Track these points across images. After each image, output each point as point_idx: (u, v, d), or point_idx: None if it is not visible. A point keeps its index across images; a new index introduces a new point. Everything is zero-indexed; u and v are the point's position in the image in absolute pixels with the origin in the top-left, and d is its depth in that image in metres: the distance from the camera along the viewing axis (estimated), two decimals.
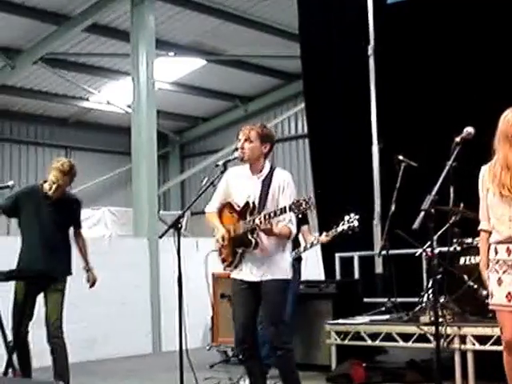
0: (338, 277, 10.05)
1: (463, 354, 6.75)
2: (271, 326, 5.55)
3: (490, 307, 4.75)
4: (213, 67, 17.89)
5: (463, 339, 6.73)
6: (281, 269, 5.62)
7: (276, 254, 5.62)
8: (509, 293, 4.56)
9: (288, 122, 20.42)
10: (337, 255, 10.15)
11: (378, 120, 10.53)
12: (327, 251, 10.31)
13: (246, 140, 5.64)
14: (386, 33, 10.61)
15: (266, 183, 5.63)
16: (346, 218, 7.48)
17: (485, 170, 4.76)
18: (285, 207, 5.33)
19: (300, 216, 6.49)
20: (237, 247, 5.61)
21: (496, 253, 4.68)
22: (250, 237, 5.51)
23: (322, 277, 10.36)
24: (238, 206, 5.67)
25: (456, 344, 6.76)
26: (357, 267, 10.08)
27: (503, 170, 4.62)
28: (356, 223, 7.39)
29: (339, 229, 7.47)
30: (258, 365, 5.76)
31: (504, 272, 4.61)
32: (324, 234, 7.74)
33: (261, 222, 5.34)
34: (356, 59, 10.81)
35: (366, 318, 7.88)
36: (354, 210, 7.66)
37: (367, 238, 10.03)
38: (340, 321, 7.85)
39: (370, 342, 7.51)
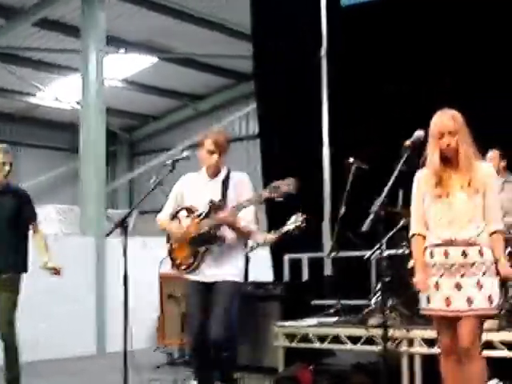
0: (286, 278, 10.01)
1: (411, 356, 6.76)
2: (221, 326, 5.51)
3: (427, 312, 4.70)
4: (164, 65, 17.79)
5: (411, 342, 6.73)
6: (236, 270, 5.66)
7: (235, 254, 5.65)
8: (447, 297, 4.53)
9: (239, 122, 20.37)
10: (286, 256, 10.12)
11: (329, 122, 10.54)
12: (276, 252, 10.28)
13: (219, 153, 5.65)
14: (339, 35, 10.63)
15: (225, 185, 5.65)
16: (293, 217, 7.48)
17: (421, 174, 4.76)
18: (261, 194, 5.38)
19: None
20: (199, 246, 5.56)
21: (432, 256, 4.65)
22: (215, 232, 5.51)
23: (271, 278, 10.32)
24: (197, 210, 5.66)
25: (404, 347, 6.76)
26: (306, 269, 10.07)
27: (435, 173, 4.62)
28: (302, 223, 7.38)
29: (285, 228, 7.47)
30: (208, 366, 5.70)
31: (441, 276, 4.58)
32: (271, 233, 7.72)
33: (228, 214, 5.33)
34: (308, 61, 10.81)
35: (314, 320, 7.84)
36: (303, 210, 7.64)
37: (317, 239, 10.04)
38: (288, 323, 7.80)
39: (317, 345, 7.47)
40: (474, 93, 9.14)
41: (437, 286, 4.59)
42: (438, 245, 4.61)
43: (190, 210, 5.70)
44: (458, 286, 4.51)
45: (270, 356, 7.93)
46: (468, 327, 4.51)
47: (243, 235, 5.62)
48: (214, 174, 5.73)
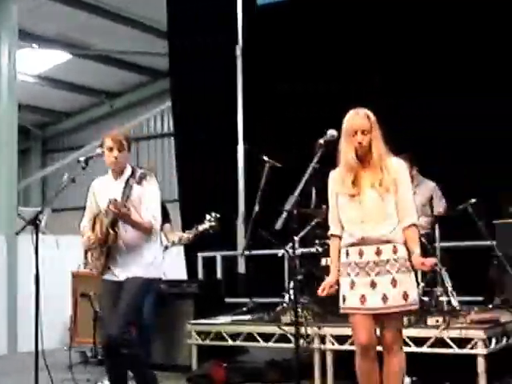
0: (200, 276, 10.01)
1: (323, 353, 6.84)
2: (117, 323, 5.42)
3: (343, 311, 4.72)
4: (79, 61, 17.55)
5: (323, 339, 6.82)
6: (143, 266, 5.56)
7: (139, 250, 5.56)
8: (362, 295, 4.57)
9: (154, 119, 20.26)
10: (199, 255, 10.13)
11: (244, 120, 10.58)
12: (190, 250, 10.27)
13: (118, 149, 5.59)
14: (254, 34, 10.68)
15: (129, 183, 5.58)
16: (208, 217, 7.49)
17: (334, 174, 4.80)
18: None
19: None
20: (103, 247, 5.52)
21: (347, 255, 4.69)
22: (110, 230, 5.44)
23: (185, 276, 10.31)
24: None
25: (316, 344, 6.84)
26: (219, 267, 10.09)
27: (348, 171, 4.67)
28: (216, 223, 7.40)
29: (200, 228, 7.47)
30: (121, 367, 5.65)
31: (356, 275, 4.61)
32: (186, 232, 7.71)
33: (117, 206, 5.28)
34: (224, 59, 10.83)
35: (227, 318, 7.87)
36: (217, 209, 7.65)
37: (230, 238, 10.06)
38: (201, 321, 7.81)
39: (231, 342, 7.50)
40: (384, 93, 9.34)
41: (352, 284, 4.62)
42: (352, 244, 4.65)
43: (99, 215, 5.64)
44: (373, 284, 4.55)
45: (184, 354, 7.93)
46: (389, 324, 4.59)
47: (141, 229, 5.54)
48: (118, 174, 5.67)
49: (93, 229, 5.62)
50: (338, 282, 4.75)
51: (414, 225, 4.65)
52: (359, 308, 4.58)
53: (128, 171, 5.67)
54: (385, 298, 4.52)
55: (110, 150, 5.58)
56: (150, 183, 5.59)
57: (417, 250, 4.58)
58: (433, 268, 4.69)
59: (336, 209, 4.76)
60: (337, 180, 4.75)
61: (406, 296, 4.54)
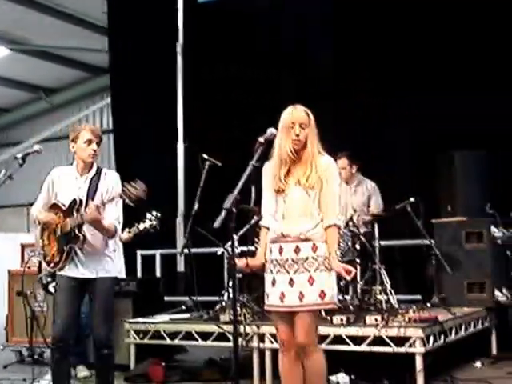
0: (139, 275, 9.93)
1: (262, 352, 6.83)
2: (104, 324, 5.47)
3: (266, 308, 4.72)
4: (17, 57, 17.23)
5: (262, 338, 6.81)
6: (114, 266, 5.61)
7: (107, 251, 5.56)
8: (282, 293, 4.55)
9: (93, 116, 20.00)
10: (138, 252, 10.04)
11: (184, 118, 10.54)
12: (129, 248, 10.16)
13: (97, 143, 5.57)
14: (195, 31, 10.65)
15: (95, 182, 5.55)
16: (148, 216, 7.40)
17: (268, 166, 4.76)
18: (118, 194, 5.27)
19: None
20: (64, 245, 5.44)
21: (270, 252, 4.67)
22: (77, 232, 5.38)
23: (123, 274, 10.20)
24: (64, 205, 5.51)
25: (255, 342, 6.82)
26: (159, 265, 10.02)
27: (281, 165, 4.64)
28: (157, 221, 7.34)
29: (141, 227, 7.38)
30: (67, 365, 5.62)
31: (277, 272, 4.60)
32: (126, 230, 7.61)
33: (90, 212, 5.24)
34: (164, 56, 10.78)
35: (166, 317, 7.81)
36: (156, 207, 7.58)
37: (170, 236, 10.01)
38: (139, 319, 7.73)
39: (169, 341, 7.44)
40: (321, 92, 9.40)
41: (274, 282, 4.61)
42: (274, 240, 4.64)
43: (57, 207, 5.55)
44: (291, 282, 4.54)
45: (122, 353, 7.83)
46: (302, 323, 4.55)
47: (108, 233, 5.51)
48: (86, 170, 5.59)
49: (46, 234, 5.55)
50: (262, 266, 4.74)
51: (334, 226, 4.62)
52: (279, 305, 4.58)
53: (94, 169, 5.62)
54: (301, 296, 4.51)
55: (89, 142, 5.51)
56: (117, 185, 5.56)
57: (333, 253, 4.56)
58: (351, 277, 4.66)
59: (267, 201, 4.76)
60: (269, 172, 4.73)
61: (322, 294, 4.51)
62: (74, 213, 5.43)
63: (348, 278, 4.59)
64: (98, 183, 5.55)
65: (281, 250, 4.60)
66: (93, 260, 5.48)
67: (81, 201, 5.43)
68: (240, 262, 4.74)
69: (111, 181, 5.62)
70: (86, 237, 5.42)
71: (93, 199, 5.42)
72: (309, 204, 4.58)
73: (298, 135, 4.59)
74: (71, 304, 5.49)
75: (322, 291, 4.52)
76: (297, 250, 4.56)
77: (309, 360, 4.60)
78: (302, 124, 4.60)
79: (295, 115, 4.64)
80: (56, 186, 5.60)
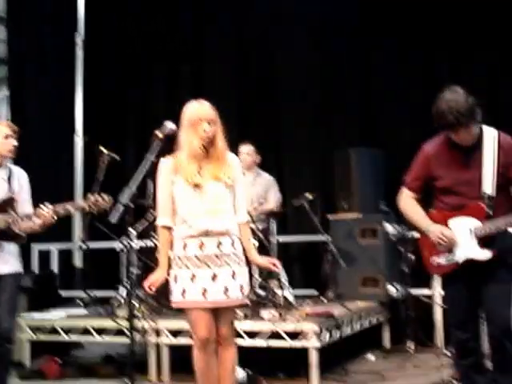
0: (35, 269, 9.75)
1: (158, 347, 6.82)
2: (12, 319, 5.47)
3: (182, 305, 4.63)
4: None
5: (158, 333, 6.80)
6: (17, 260, 5.61)
7: (12, 247, 5.56)
8: (204, 289, 4.52)
9: None
10: (34, 247, 9.85)
11: (83, 111, 10.42)
12: (24, 242, 9.99)
13: (16, 138, 5.62)
14: (95, 23, 10.54)
15: (9, 180, 5.54)
16: (45, 209, 7.28)
17: (170, 162, 4.67)
18: (83, 206, 5.38)
19: None
20: None
21: (185, 248, 4.61)
22: (15, 230, 5.41)
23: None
24: None
25: (152, 338, 6.81)
26: (55, 260, 9.87)
27: (193, 160, 4.61)
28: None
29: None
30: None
31: (197, 267, 4.55)
32: None
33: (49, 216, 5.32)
34: (64, 48, 10.62)
35: (62, 313, 7.70)
36: (54, 201, 7.47)
37: (67, 230, 9.88)
38: (35, 315, 7.60)
39: (65, 337, 7.35)
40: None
41: (193, 277, 4.55)
42: (192, 236, 4.58)
43: None
44: (214, 277, 4.53)
45: (16, 350, 7.68)
46: (227, 317, 4.61)
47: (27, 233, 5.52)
48: (2, 167, 5.53)
49: None
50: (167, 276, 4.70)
51: (246, 222, 4.74)
52: (202, 301, 4.53)
53: (5, 164, 5.60)
54: (226, 291, 4.52)
55: (7, 137, 5.42)
56: (27, 181, 5.62)
57: (253, 249, 4.69)
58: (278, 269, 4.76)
59: (170, 198, 4.65)
60: (175, 169, 4.63)
61: (242, 289, 4.59)
62: (10, 211, 5.39)
63: (277, 269, 4.70)
64: (14, 180, 5.49)
65: (202, 246, 4.56)
66: (6, 256, 5.46)
67: (7, 199, 5.36)
68: (148, 288, 4.68)
69: (23, 178, 5.65)
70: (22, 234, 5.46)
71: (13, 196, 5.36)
72: (228, 200, 4.62)
73: (207, 132, 4.56)
74: None
75: (242, 286, 4.58)
76: (219, 245, 4.56)
77: (228, 352, 4.65)
78: (210, 121, 4.57)
79: (203, 111, 4.60)
80: None
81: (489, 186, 4.46)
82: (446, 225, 4.57)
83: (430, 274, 4.93)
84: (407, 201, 4.81)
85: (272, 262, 4.72)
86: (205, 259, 4.56)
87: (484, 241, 4.46)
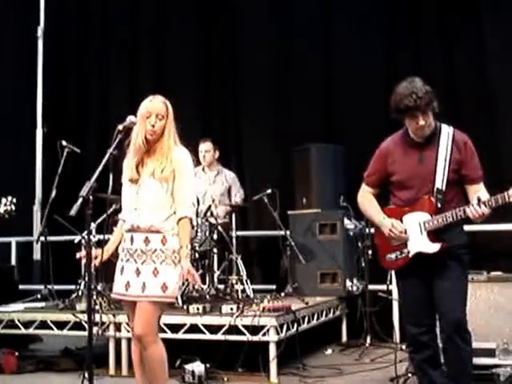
0: None
1: (117, 340, 6.82)
2: None
3: (113, 296, 4.74)
4: None
5: (118, 327, 6.79)
6: None
7: None
8: (127, 282, 4.55)
9: None
10: None
11: (44, 103, 10.35)
12: None
13: None
14: (57, 15, 10.47)
15: None
16: (3, 200, 7.22)
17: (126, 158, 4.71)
18: None
19: None
20: None
21: (125, 241, 4.67)
22: None
23: None
24: None
25: (111, 331, 6.80)
26: (14, 253, 9.81)
27: (134, 155, 4.62)
28: (13, 207, 7.17)
29: None
30: None
31: (127, 261, 4.60)
32: None
33: None
34: (25, 40, 10.54)
35: (20, 306, 7.65)
36: (13, 193, 7.43)
37: (27, 223, 9.81)
38: None
39: (23, 330, 7.31)
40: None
41: (122, 270, 4.61)
42: (127, 230, 4.63)
43: None
44: (138, 272, 4.54)
45: None
46: (140, 313, 4.53)
47: None
48: None
49: None
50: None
51: (187, 217, 4.60)
52: (124, 294, 4.57)
53: None
54: (144, 287, 4.49)
55: None
56: None
57: (185, 246, 4.55)
58: (192, 283, 4.76)
59: (124, 193, 4.75)
60: (125, 163, 4.70)
61: (164, 287, 4.49)
62: None
63: (188, 281, 4.71)
64: None
65: (132, 240, 4.60)
66: None
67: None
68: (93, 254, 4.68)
69: None
70: None
71: None
72: (161, 196, 4.57)
73: (153, 126, 4.57)
74: None
75: (164, 284, 4.49)
76: (146, 241, 4.55)
77: (147, 351, 4.55)
78: (158, 114, 4.57)
79: (152, 105, 4.61)
80: None
81: (440, 181, 4.53)
82: (401, 220, 4.64)
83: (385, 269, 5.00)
84: (364, 196, 4.88)
85: (190, 274, 4.49)
86: (133, 253, 4.58)
87: (433, 234, 4.53)
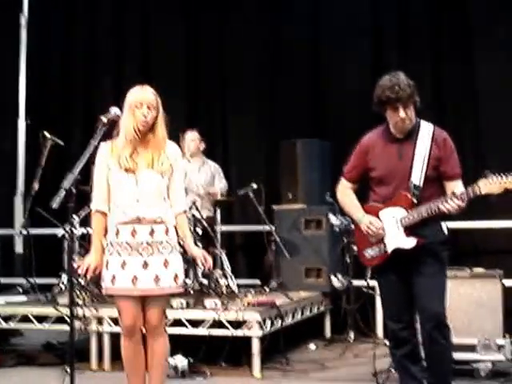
0: None
1: (99, 335, 6.76)
2: None
3: (111, 292, 4.58)
4: None
5: (100, 321, 6.73)
6: None
7: None
8: (134, 276, 4.48)
9: None
10: None
11: (26, 93, 10.27)
12: None
13: None
14: (40, 4, 10.39)
15: None
16: None
17: (108, 146, 4.62)
18: None
19: None
20: None
21: (117, 234, 4.55)
22: None
23: None
24: None
25: (93, 326, 6.74)
26: None
27: (127, 145, 4.55)
28: None
29: None
30: None
31: (129, 255, 4.51)
32: None
33: None
34: (7, 29, 10.45)
35: (1, 300, 7.57)
36: None
37: (8, 215, 9.75)
38: None
39: (4, 325, 7.23)
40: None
41: (124, 264, 4.51)
42: (125, 223, 4.53)
43: None
44: (146, 265, 4.49)
45: None
46: (156, 305, 4.55)
47: None
48: None
49: None
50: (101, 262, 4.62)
51: (183, 212, 4.72)
52: (131, 289, 4.49)
53: None
54: (157, 279, 4.48)
55: None
56: None
57: (188, 239, 4.65)
58: (207, 267, 4.74)
59: (106, 183, 4.60)
60: (112, 153, 4.58)
61: (176, 278, 4.54)
62: None
63: (203, 267, 4.70)
64: None
65: (134, 233, 4.51)
66: None
67: None
68: (80, 269, 4.63)
69: None
70: None
71: None
72: (163, 188, 4.57)
73: (145, 116, 4.51)
74: None
75: (176, 274, 4.54)
76: (152, 233, 4.52)
77: (157, 342, 4.62)
78: (149, 105, 4.52)
79: (143, 95, 4.55)
80: None
81: (417, 177, 4.55)
82: (378, 216, 4.63)
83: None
84: (344, 191, 4.91)
85: (205, 257, 4.62)
86: (137, 246, 4.52)
87: (410, 230, 4.53)
